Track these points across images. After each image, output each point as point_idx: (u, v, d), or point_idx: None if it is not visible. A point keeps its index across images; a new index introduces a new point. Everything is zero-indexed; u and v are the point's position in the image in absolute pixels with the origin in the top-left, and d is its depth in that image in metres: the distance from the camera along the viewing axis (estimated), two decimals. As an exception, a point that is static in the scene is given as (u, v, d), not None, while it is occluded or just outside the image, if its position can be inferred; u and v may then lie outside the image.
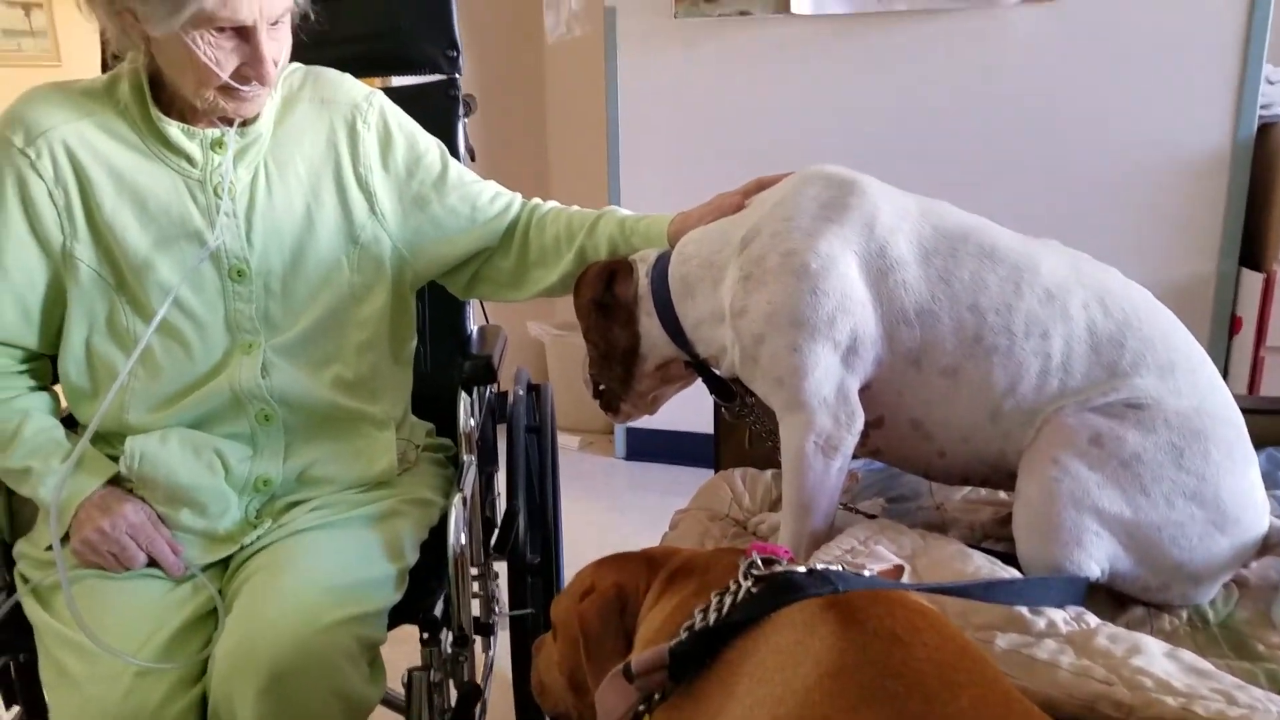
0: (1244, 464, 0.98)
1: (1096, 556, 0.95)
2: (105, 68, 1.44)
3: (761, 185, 1.17)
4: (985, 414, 1.01)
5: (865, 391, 1.04)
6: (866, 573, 0.78)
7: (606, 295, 1.18)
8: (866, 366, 1.03)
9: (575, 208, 1.38)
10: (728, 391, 1.21)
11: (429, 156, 1.34)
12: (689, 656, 0.71)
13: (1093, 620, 0.89)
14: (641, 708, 0.73)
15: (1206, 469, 0.95)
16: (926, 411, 1.04)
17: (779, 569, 0.75)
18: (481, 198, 1.36)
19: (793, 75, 2.67)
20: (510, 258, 1.37)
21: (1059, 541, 0.95)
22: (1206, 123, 2.40)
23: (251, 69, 1.12)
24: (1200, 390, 0.98)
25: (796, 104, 2.69)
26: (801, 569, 0.74)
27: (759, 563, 0.76)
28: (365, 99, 1.31)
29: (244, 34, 1.09)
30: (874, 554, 0.98)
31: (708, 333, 1.12)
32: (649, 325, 1.17)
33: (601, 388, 1.25)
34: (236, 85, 1.12)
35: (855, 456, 1.06)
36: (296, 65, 1.32)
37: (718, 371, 1.16)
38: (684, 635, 0.73)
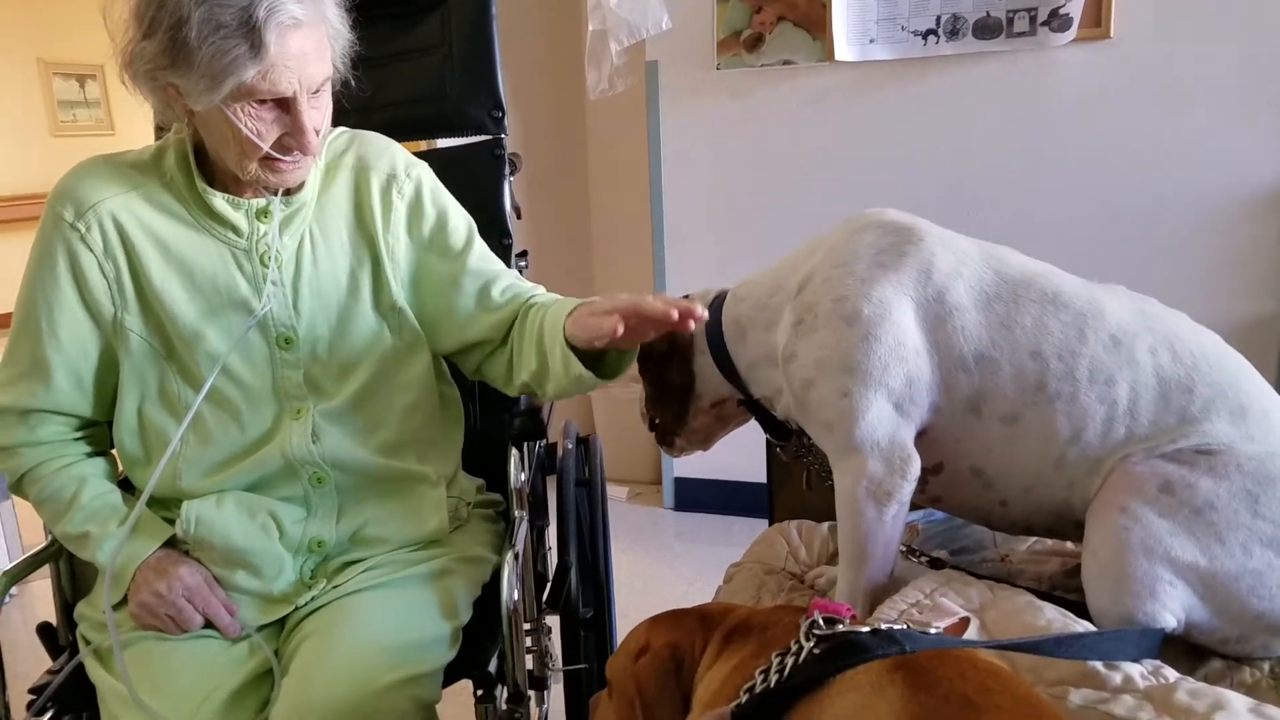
0: None
1: (1171, 607, 0.91)
2: (159, 137, 1.47)
3: (637, 309, 1.06)
4: (1049, 462, 0.99)
5: (923, 438, 1.02)
6: (933, 629, 0.76)
7: (662, 341, 1.18)
8: (922, 413, 1.01)
9: (542, 301, 1.30)
10: (783, 431, 1.20)
11: (455, 236, 1.31)
12: (752, 718, 0.69)
13: (1171, 674, 0.85)
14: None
15: None
16: (987, 459, 1.02)
17: (842, 628, 0.73)
18: (494, 288, 1.31)
19: (838, 123, 2.67)
20: (506, 353, 1.32)
21: (1131, 592, 0.91)
22: (1262, 160, 2.36)
23: (293, 139, 1.12)
24: (1274, 435, 0.95)
25: (842, 151, 2.68)
26: (865, 628, 0.72)
27: (821, 622, 0.74)
28: (405, 168, 1.29)
29: (284, 105, 1.09)
30: (939, 607, 0.95)
31: (762, 374, 1.12)
32: (703, 364, 1.18)
33: (657, 422, 1.25)
34: (278, 156, 1.12)
35: (916, 505, 1.04)
36: (343, 129, 1.32)
37: (774, 413, 1.15)
38: (744, 698, 0.71)
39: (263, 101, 1.08)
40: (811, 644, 0.72)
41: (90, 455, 1.25)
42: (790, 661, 0.72)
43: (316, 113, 1.13)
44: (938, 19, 2.49)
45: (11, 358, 1.20)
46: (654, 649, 0.87)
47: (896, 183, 2.64)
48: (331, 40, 1.14)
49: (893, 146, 2.63)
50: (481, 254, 1.33)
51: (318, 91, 1.12)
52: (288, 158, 1.13)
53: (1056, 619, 0.93)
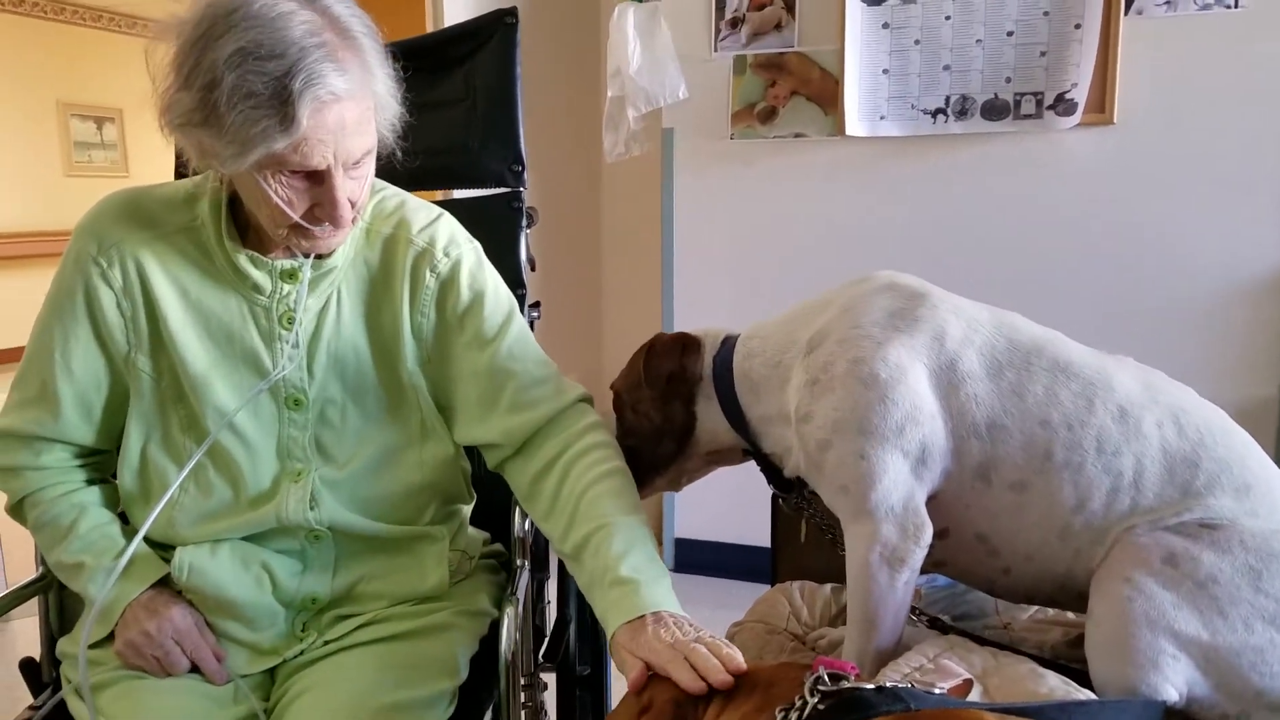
0: None
1: (1174, 680, 0.91)
2: (177, 176, 1.43)
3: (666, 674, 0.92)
4: (1053, 531, 0.99)
5: (931, 502, 1.03)
6: (937, 690, 0.76)
7: (662, 373, 1.16)
8: (934, 478, 1.01)
9: (592, 475, 1.13)
10: (786, 482, 1.18)
11: (487, 325, 1.21)
12: (755, 772, 0.69)
13: (1172, 748, 0.85)
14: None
15: None
16: (993, 526, 1.02)
17: (846, 685, 0.73)
18: (518, 391, 1.20)
19: (847, 196, 2.71)
20: (526, 474, 1.20)
21: (1134, 663, 0.91)
22: (1263, 244, 2.40)
23: (324, 211, 1.06)
24: (1278, 512, 0.95)
25: (850, 223, 2.73)
26: (870, 686, 0.72)
27: (825, 678, 0.74)
28: (445, 246, 1.22)
29: (317, 176, 1.04)
30: (941, 669, 0.95)
31: (775, 431, 1.12)
32: (708, 410, 1.16)
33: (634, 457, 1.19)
34: (308, 225, 1.07)
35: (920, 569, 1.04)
36: (395, 192, 1.27)
37: (783, 470, 1.15)
38: (748, 751, 0.71)
39: (295, 171, 1.02)
40: (816, 699, 0.72)
41: (92, 482, 1.23)
42: (795, 717, 0.72)
43: (354, 184, 1.07)
44: (947, 99, 2.55)
45: (22, 381, 1.18)
46: (657, 705, 0.86)
47: (903, 255, 2.68)
48: (377, 111, 1.08)
49: (900, 220, 2.67)
50: (511, 350, 1.21)
51: (358, 163, 1.06)
52: (318, 228, 1.08)
53: (1059, 687, 0.93)
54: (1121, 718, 0.87)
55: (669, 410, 1.18)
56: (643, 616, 0.97)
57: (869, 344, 1.02)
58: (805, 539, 1.28)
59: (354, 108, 1.02)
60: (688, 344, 1.19)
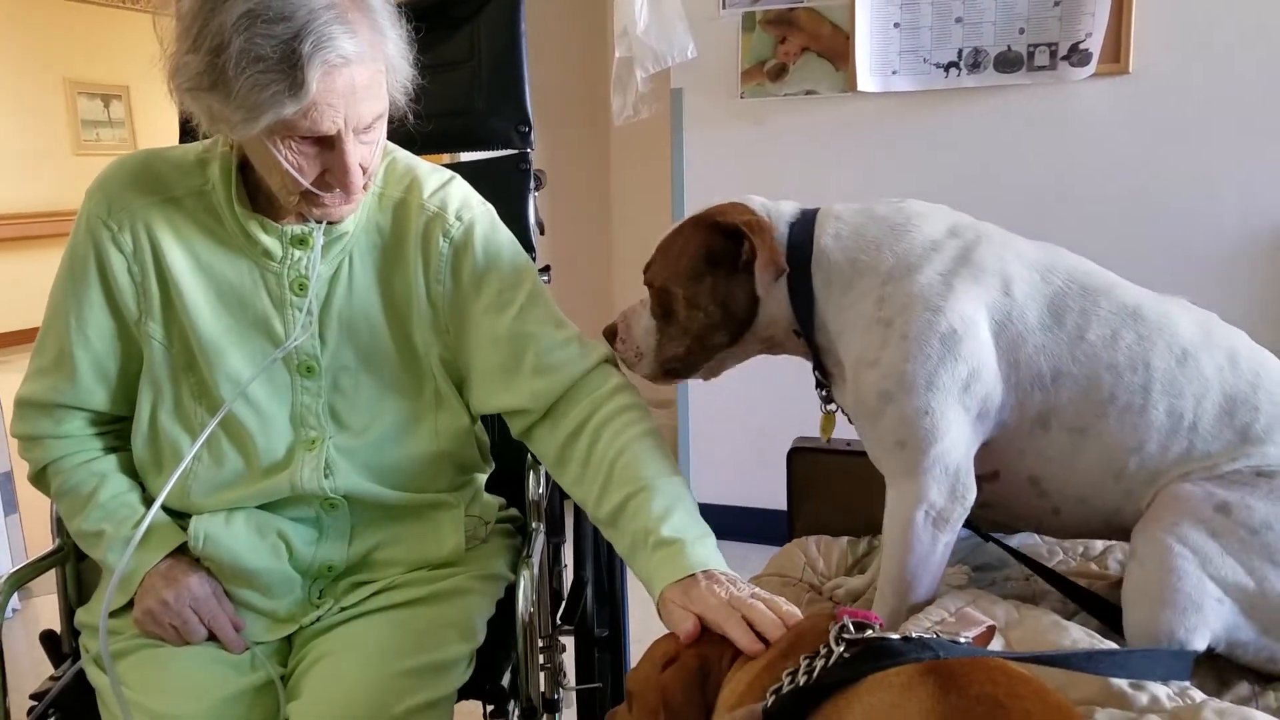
0: None
1: (1213, 624, 0.91)
2: (183, 140, 1.42)
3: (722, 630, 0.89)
4: (1109, 473, 0.99)
5: (983, 447, 1.01)
6: (962, 639, 0.75)
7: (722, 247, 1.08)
8: (986, 432, 1.01)
9: (625, 438, 1.11)
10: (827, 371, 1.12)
11: (503, 289, 1.19)
12: (781, 717, 0.68)
13: (1197, 695, 0.85)
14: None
15: None
16: (1046, 469, 1.01)
17: (872, 634, 0.73)
18: (541, 354, 1.17)
19: (860, 153, 2.68)
20: (554, 440, 1.17)
21: (1176, 606, 0.91)
22: (1282, 194, 2.36)
23: (335, 177, 1.05)
24: None
25: (864, 182, 2.70)
26: (896, 635, 0.72)
27: (850, 627, 0.73)
28: (457, 210, 1.19)
29: (327, 142, 1.02)
30: (963, 617, 0.94)
31: (837, 331, 1.06)
32: (773, 289, 1.07)
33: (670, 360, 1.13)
34: (319, 192, 1.06)
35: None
36: (404, 155, 1.26)
37: (829, 390, 1.11)
38: (771, 699, 0.70)
39: (305, 137, 1.01)
40: (841, 648, 0.72)
41: (112, 450, 1.23)
42: (820, 664, 0.71)
43: (365, 148, 1.06)
44: (959, 52, 2.51)
45: (40, 350, 1.19)
46: (682, 659, 0.85)
47: (916, 213, 2.65)
48: (389, 74, 1.06)
49: (913, 176, 2.64)
50: (532, 313, 1.19)
51: (369, 128, 1.05)
52: (329, 195, 1.07)
53: (1082, 639, 0.92)
54: (1149, 666, 0.86)
55: (733, 296, 1.08)
56: (693, 575, 0.95)
57: (950, 296, 0.99)
58: (825, 439, 1.20)
59: (364, 71, 1.00)
60: (752, 223, 1.08)
